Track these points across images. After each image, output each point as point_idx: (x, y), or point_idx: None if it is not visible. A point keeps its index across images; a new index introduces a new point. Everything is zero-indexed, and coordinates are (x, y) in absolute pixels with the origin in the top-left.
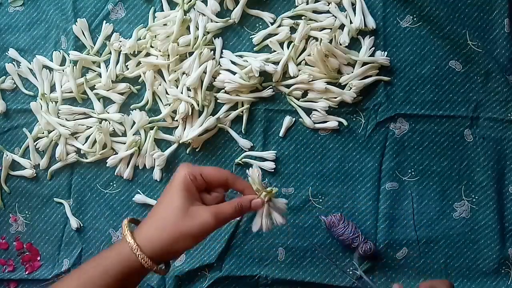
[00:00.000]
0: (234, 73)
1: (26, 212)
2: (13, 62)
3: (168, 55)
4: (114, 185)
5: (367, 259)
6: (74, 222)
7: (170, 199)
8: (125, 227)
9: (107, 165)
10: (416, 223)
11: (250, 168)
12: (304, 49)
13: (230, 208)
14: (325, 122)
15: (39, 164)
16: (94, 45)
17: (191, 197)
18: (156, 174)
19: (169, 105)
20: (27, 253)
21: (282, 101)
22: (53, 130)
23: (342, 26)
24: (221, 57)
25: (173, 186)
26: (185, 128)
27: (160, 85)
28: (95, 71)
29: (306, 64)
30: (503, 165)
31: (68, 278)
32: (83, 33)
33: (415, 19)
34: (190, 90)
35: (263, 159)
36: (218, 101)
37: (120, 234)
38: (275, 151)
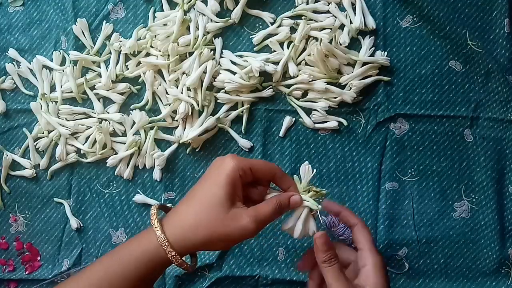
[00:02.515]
0: (234, 73)
1: (26, 212)
2: (13, 62)
3: (168, 55)
4: (114, 185)
5: None
6: (74, 222)
7: (212, 192)
8: (154, 216)
9: (107, 165)
10: (416, 223)
11: (304, 163)
12: (304, 49)
13: (269, 209)
14: (325, 122)
15: (39, 164)
16: (94, 45)
17: (235, 195)
18: (156, 174)
19: (169, 105)
20: (27, 253)
21: (282, 101)
22: (53, 130)
23: (342, 26)
24: (221, 57)
25: (218, 177)
26: (185, 128)
27: (160, 85)
28: (95, 71)
29: (306, 64)
30: (503, 165)
31: (91, 267)
32: (83, 33)
33: (415, 19)
34: (190, 90)
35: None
36: (218, 101)
37: (120, 234)
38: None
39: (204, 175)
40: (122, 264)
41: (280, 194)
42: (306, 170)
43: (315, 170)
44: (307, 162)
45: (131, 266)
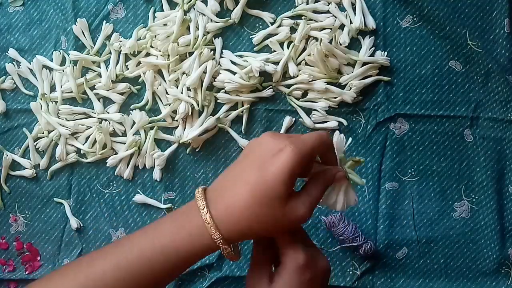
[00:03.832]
0: (234, 73)
1: (26, 212)
2: (13, 62)
3: (168, 55)
4: (114, 185)
5: (367, 259)
6: (74, 222)
7: (270, 186)
8: (205, 210)
9: (107, 165)
10: (416, 223)
11: (336, 133)
12: (304, 49)
13: (318, 190)
14: (325, 122)
15: (39, 164)
16: (94, 45)
17: (292, 186)
18: (156, 174)
19: (169, 105)
20: (27, 253)
21: (282, 101)
22: (53, 130)
23: (342, 26)
24: (221, 57)
25: (278, 171)
26: (185, 128)
27: (160, 85)
28: (95, 71)
29: (306, 64)
30: (503, 165)
31: (120, 244)
32: (83, 33)
33: (415, 19)
34: (190, 90)
35: None
36: (218, 101)
37: (120, 234)
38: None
39: (254, 158)
40: (167, 259)
41: (325, 172)
42: (340, 139)
43: (350, 139)
44: (337, 132)
45: (177, 261)
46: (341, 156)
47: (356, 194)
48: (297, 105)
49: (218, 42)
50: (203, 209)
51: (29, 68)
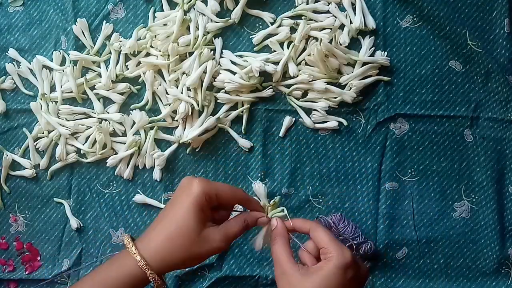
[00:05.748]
0: (234, 73)
1: (26, 212)
2: (13, 62)
3: (168, 55)
4: (114, 185)
5: (367, 259)
6: (74, 222)
7: (183, 217)
8: (130, 244)
9: (107, 165)
10: (416, 223)
11: (255, 183)
12: (304, 49)
13: (237, 226)
14: (325, 122)
15: (39, 164)
16: (94, 45)
17: (204, 218)
18: (156, 174)
19: (169, 105)
20: (27, 253)
21: (282, 101)
22: (53, 130)
23: (342, 26)
24: (221, 57)
25: (187, 203)
26: (185, 128)
27: (160, 85)
28: (95, 71)
29: (306, 64)
30: (503, 165)
31: None
32: (83, 33)
33: (415, 19)
34: (190, 90)
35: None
36: (218, 101)
37: (120, 235)
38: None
39: (173, 198)
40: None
41: (249, 213)
42: (258, 187)
43: (266, 185)
44: (256, 181)
45: None
46: (263, 204)
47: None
48: (297, 105)
49: (218, 42)
50: (128, 243)
51: (29, 68)
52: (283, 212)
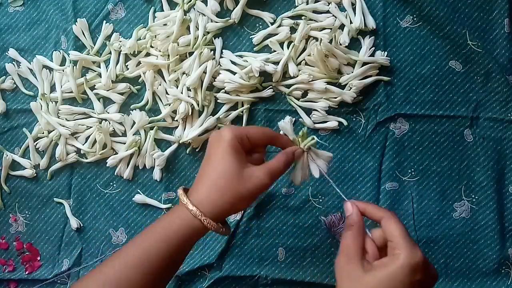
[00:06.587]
0: (234, 73)
1: (26, 212)
2: (13, 62)
3: (168, 55)
4: (114, 185)
5: None
6: (74, 222)
7: (222, 162)
8: (183, 196)
9: (107, 165)
10: (416, 223)
11: (282, 121)
12: (304, 49)
13: (279, 163)
14: (325, 122)
15: (39, 164)
16: (94, 45)
17: (242, 159)
18: (156, 174)
19: (169, 105)
20: (27, 253)
21: (282, 101)
22: (53, 130)
23: (342, 26)
24: (221, 57)
25: (221, 149)
26: (185, 128)
27: (160, 85)
28: (95, 71)
29: (306, 64)
30: (503, 165)
31: (125, 248)
32: (83, 33)
33: (415, 19)
34: (190, 90)
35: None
36: (218, 101)
37: (120, 234)
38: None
39: (208, 152)
40: (160, 242)
41: (285, 150)
42: (284, 124)
43: (293, 119)
44: (282, 120)
45: (169, 241)
46: (293, 138)
47: (322, 166)
48: (297, 105)
49: (218, 42)
50: (182, 194)
51: (29, 68)
52: (314, 139)
